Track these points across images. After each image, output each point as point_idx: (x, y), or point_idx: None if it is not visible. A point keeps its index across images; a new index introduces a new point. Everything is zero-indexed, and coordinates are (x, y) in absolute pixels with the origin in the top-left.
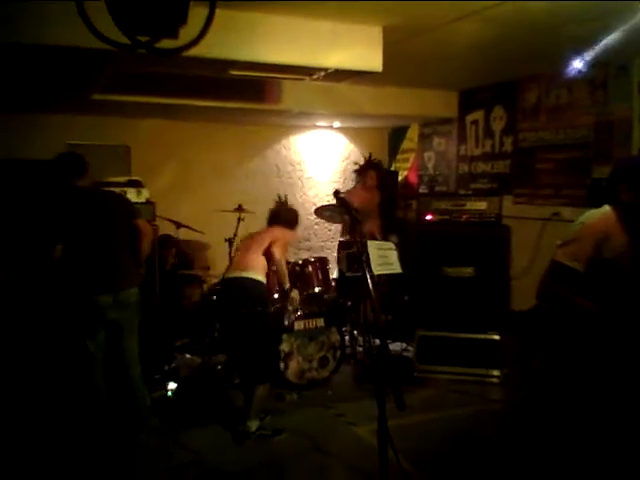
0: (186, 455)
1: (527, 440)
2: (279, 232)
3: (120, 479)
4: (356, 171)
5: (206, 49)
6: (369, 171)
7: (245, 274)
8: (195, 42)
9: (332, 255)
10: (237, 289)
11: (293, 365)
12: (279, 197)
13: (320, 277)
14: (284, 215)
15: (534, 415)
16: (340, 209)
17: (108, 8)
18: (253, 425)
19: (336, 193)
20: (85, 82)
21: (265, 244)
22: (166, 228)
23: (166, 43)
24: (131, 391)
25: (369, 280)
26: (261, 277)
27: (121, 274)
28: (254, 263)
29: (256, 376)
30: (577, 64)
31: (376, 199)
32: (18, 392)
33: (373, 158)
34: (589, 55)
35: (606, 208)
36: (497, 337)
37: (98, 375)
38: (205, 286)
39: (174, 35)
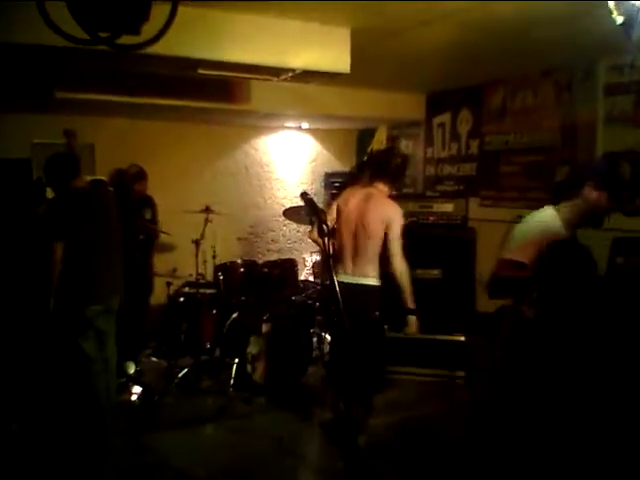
0: (151, 459)
1: (491, 439)
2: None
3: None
4: (359, 166)
5: (172, 47)
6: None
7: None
8: (156, 39)
9: (301, 256)
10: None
11: (260, 367)
12: None
13: (287, 279)
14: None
15: (496, 414)
16: (308, 211)
17: (68, 4)
18: (363, 440)
19: (303, 195)
20: (48, 80)
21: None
22: None
23: (128, 39)
24: (93, 398)
25: (336, 283)
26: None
27: (112, 281)
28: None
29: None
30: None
31: None
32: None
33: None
34: None
35: (549, 212)
36: (463, 338)
37: (98, 375)
38: (172, 288)
39: (136, 32)
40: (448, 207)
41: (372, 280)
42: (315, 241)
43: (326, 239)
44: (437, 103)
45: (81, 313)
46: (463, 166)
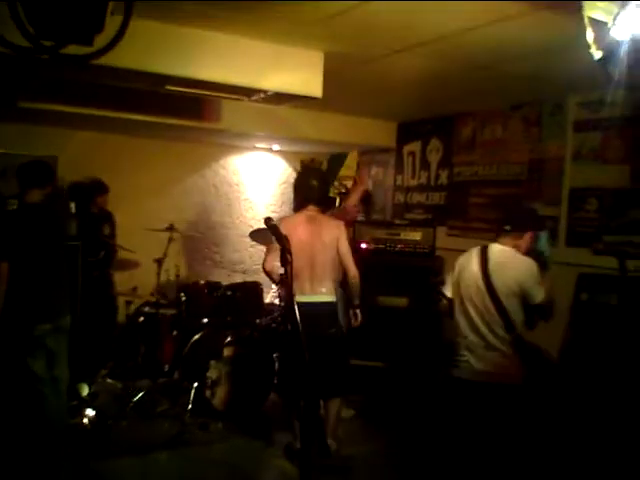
0: None
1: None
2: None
3: None
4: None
5: (140, 61)
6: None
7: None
8: (104, 51)
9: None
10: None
11: (220, 393)
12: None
13: (252, 302)
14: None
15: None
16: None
17: (9, 9)
18: (334, 444)
19: (267, 220)
20: (11, 89)
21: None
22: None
23: (75, 50)
24: (43, 420)
25: (296, 312)
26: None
27: (62, 300)
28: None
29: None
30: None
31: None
32: None
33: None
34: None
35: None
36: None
37: (47, 396)
38: (132, 307)
39: (89, 42)
40: (416, 235)
41: (329, 297)
42: (268, 273)
43: (289, 267)
44: (408, 131)
45: (29, 332)
46: (432, 195)
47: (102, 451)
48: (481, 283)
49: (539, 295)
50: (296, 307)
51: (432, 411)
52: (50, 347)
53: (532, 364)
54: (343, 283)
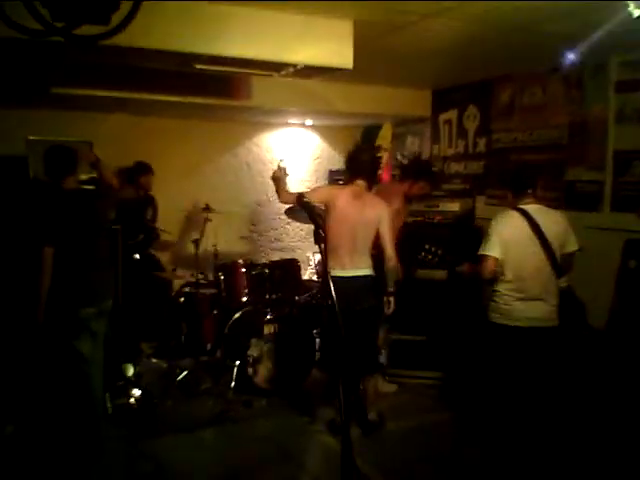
0: (148, 464)
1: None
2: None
3: None
4: (401, 168)
5: (168, 41)
6: (421, 181)
7: None
8: (117, 30)
9: (304, 255)
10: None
11: (262, 370)
12: None
13: (290, 279)
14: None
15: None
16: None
17: None
18: (374, 415)
19: (299, 197)
20: (43, 75)
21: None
22: None
23: (87, 31)
24: (89, 400)
25: (332, 288)
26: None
27: (105, 284)
28: None
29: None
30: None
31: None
32: None
33: (423, 158)
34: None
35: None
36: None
37: (93, 377)
38: (172, 288)
39: (106, 22)
40: (454, 206)
41: (368, 271)
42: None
43: (322, 245)
44: (443, 99)
45: (75, 315)
46: (470, 164)
47: (149, 430)
48: (535, 239)
49: (576, 244)
50: (331, 282)
51: (478, 382)
52: (93, 329)
53: (570, 307)
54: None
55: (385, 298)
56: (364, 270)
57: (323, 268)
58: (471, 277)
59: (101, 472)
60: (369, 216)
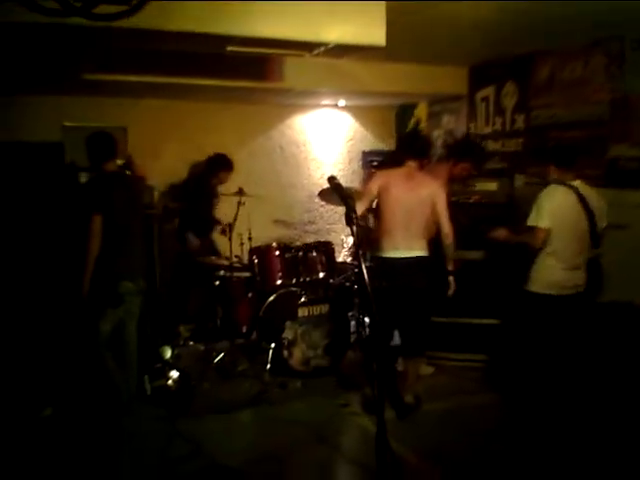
0: (186, 445)
1: (537, 429)
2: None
3: (119, 470)
4: (450, 150)
5: (199, 24)
6: (464, 161)
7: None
8: (137, 8)
9: (339, 238)
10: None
11: (297, 353)
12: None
13: (324, 262)
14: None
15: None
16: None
17: None
18: (411, 398)
19: (331, 179)
20: (75, 61)
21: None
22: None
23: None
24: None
25: (364, 270)
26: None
27: (140, 262)
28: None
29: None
30: None
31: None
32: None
33: (473, 138)
34: None
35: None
36: (495, 322)
37: (107, 356)
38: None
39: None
40: (492, 186)
41: (423, 252)
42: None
43: (354, 227)
44: (480, 76)
45: (115, 288)
46: (508, 142)
47: (186, 411)
48: (582, 213)
49: (606, 221)
50: (364, 266)
51: (522, 360)
52: (127, 307)
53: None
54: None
55: (449, 278)
56: (418, 251)
57: (356, 250)
58: (505, 242)
59: (140, 453)
60: (423, 196)
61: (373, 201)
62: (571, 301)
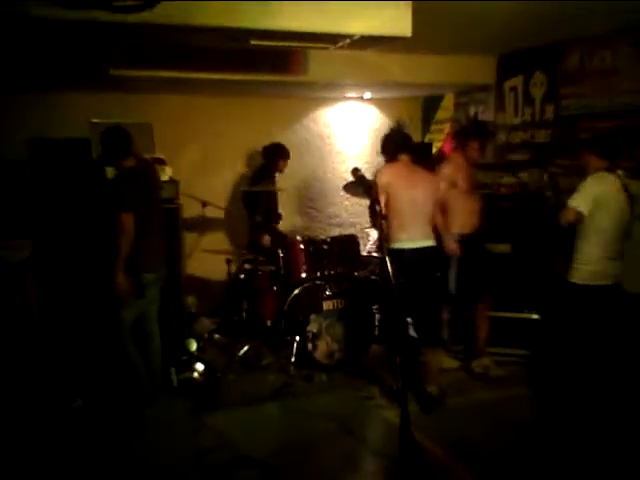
0: (212, 438)
1: (568, 425)
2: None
3: (147, 462)
4: (457, 134)
5: (222, 17)
6: (471, 141)
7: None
8: (151, 3)
9: (363, 231)
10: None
11: (322, 346)
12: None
13: (349, 255)
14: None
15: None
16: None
17: None
18: (435, 389)
19: (355, 171)
20: (102, 57)
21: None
22: (192, 206)
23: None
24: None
25: (388, 262)
26: None
27: (162, 251)
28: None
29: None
30: None
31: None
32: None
33: (480, 119)
34: None
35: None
36: (536, 316)
37: (130, 345)
38: (232, 265)
39: None
40: (521, 177)
41: (432, 241)
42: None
43: (379, 218)
44: (508, 65)
45: (139, 280)
46: (537, 132)
47: (212, 403)
48: (626, 202)
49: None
50: (387, 255)
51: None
52: (149, 298)
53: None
54: None
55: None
56: (430, 241)
57: (380, 241)
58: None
59: (167, 445)
60: (426, 187)
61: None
62: (612, 291)
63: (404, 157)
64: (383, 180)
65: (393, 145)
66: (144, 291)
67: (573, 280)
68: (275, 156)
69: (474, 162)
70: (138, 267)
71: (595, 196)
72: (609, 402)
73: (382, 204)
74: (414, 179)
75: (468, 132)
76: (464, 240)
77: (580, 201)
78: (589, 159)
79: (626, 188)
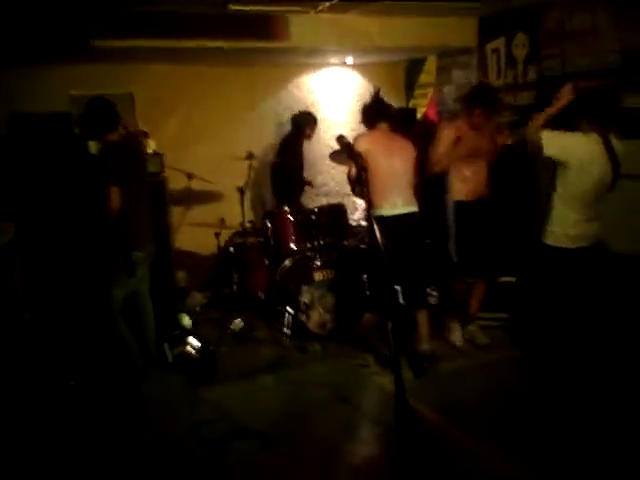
0: (210, 411)
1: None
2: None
3: (146, 437)
4: (462, 99)
5: None
6: (475, 109)
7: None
8: None
9: (351, 200)
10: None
11: (315, 316)
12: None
13: (338, 224)
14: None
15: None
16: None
17: None
18: (428, 348)
19: (340, 138)
20: (83, 29)
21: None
22: (177, 179)
23: None
24: (145, 342)
25: (376, 230)
26: None
27: (150, 227)
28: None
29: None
30: None
31: (486, 142)
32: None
33: (485, 84)
34: None
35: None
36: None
37: (121, 322)
38: (221, 239)
39: None
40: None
41: (415, 207)
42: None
43: (365, 184)
44: (490, 27)
45: (128, 258)
46: (521, 94)
47: (208, 377)
48: (609, 167)
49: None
50: (374, 222)
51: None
52: (139, 276)
53: None
54: None
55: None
56: (413, 207)
57: (367, 210)
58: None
59: (165, 419)
60: (405, 153)
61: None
62: (588, 252)
63: (383, 125)
64: (361, 148)
65: (371, 113)
66: (134, 269)
67: (548, 242)
68: (305, 124)
69: (477, 129)
70: (127, 246)
71: (569, 150)
72: (594, 362)
73: (353, 170)
74: (392, 147)
75: (472, 98)
76: (462, 207)
77: (551, 140)
78: (580, 123)
79: (612, 151)
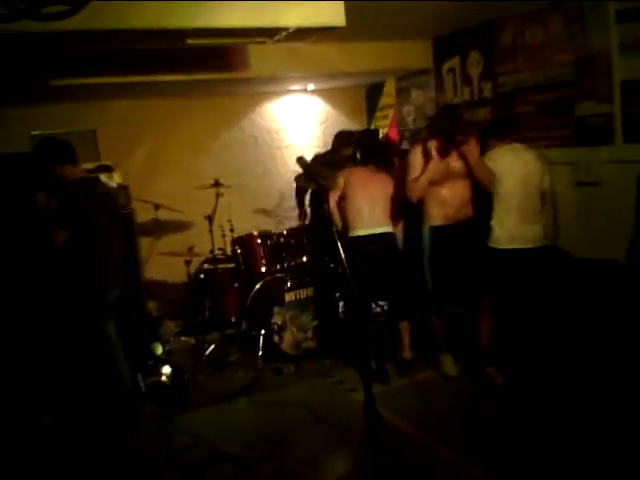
0: (185, 439)
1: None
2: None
3: (121, 468)
4: (427, 126)
5: (156, 19)
6: (439, 135)
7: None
8: (77, 8)
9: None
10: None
11: (288, 337)
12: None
13: (306, 246)
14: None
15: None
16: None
17: None
18: (409, 354)
19: (299, 159)
20: (41, 69)
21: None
22: (144, 211)
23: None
24: (119, 381)
25: (340, 248)
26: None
27: (122, 267)
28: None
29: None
30: None
31: (458, 162)
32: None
33: (446, 106)
34: None
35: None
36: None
37: (121, 358)
38: (191, 266)
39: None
40: None
41: (388, 228)
42: (331, 212)
43: (325, 205)
44: (444, 47)
45: (103, 299)
46: (477, 111)
47: (183, 405)
48: (530, 170)
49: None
50: (339, 242)
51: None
52: (117, 312)
53: None
54: None
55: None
56: (387, 228)
57: (329, 226)
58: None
59: (140, 449)
60: (384, 185)
61: (340, 193)
62: (533, 255)
63: (372, 167)
64: (342, 179)
65: (363, 157)
66: (112, 308)
67: (490, 244)
68: (341, 144)
69: (445, 152)
70: (102, 288)
71: (496, 166)
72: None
73: (332, 201)
74: (370, 179)
75: (435, 125)
76: (438, 232)
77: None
78: (490, 142)
79: (525, 158)
